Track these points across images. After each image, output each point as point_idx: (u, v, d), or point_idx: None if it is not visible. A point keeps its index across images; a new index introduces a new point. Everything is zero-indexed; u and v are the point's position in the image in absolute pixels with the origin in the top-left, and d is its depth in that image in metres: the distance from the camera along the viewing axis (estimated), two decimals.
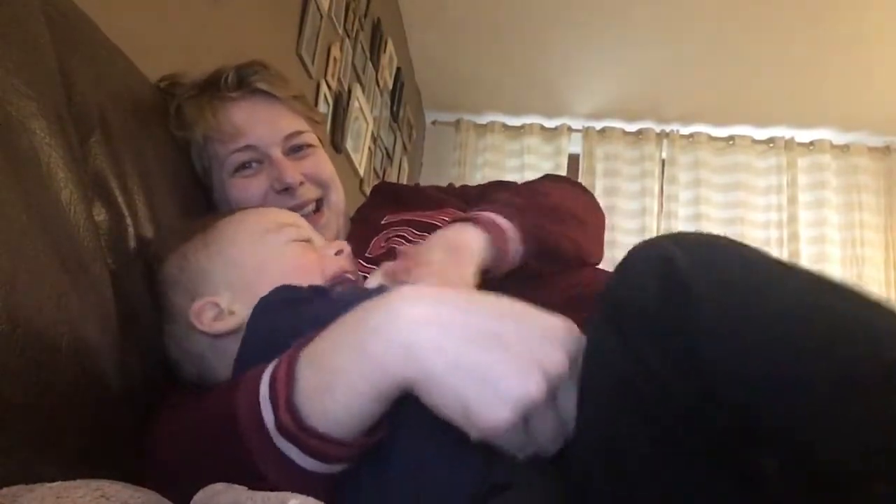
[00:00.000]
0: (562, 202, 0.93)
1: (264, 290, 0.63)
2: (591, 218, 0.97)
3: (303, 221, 0.77)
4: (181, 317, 0.68)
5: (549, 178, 1.06)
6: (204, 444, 0.53)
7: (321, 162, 0.97)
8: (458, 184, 1.20)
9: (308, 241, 0.73)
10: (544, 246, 0.84)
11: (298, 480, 0.47)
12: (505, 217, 0.82)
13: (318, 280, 0.68)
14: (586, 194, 1.02)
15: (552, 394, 0.45)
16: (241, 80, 0.93)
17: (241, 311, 0.66)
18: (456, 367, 0.44)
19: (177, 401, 0.65)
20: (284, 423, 0.47)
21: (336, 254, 0.73)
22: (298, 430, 0.47)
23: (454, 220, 0.83)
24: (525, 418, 0.45)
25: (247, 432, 0.48)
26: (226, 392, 0.53)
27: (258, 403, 0.48)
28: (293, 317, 0.59)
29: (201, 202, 0.94)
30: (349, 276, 0.72)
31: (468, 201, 1.05)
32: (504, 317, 0.48)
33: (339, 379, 0.46)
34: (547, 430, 0.47)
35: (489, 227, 0.80)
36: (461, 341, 0.45)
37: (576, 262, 0.89)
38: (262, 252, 0.69)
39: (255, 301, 0.64)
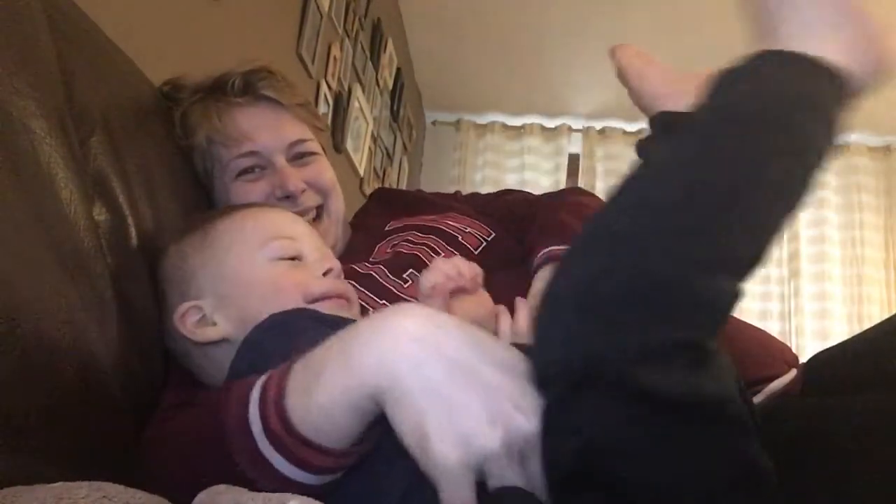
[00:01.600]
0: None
1: (244, 307, 0.64)
2: None
3: (300, 229, 0.74)
4: (171, 315, 0.69)
5: (569, 192, 1.04)
6: (193, 450, 0.53)
7: (323, 169, 0.97)
8: (457, 184, 1.21)
9: (295, 258, 0.70)
10: None
11: (281, 489, 0.46)
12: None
13: (298, 302, 0.66)
14: None
15: (514, 453, 0.43)
16: (248, 86, 0.94)
17: (222, 324, 0.67)
18: (428, 392, 0.43)
19: (174, 400, 0.65)
20: (272, 424, 0.46)
21: (325, 274, 0.70)
22: (284, 433, 0.46)
23: (540, 265, 0.83)
24: (481, 467, 0.43)
25: (233, 437, 0.48)
26: (215, 398, 0.53)
27: (247, 406, 0.48)
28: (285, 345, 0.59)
29: (203, 202, 0.94)
30: (336, 297, 0.69)
31: (476, 208, 1.05)
32: (493, 362, 0.46)
33: (320, 382, 0.46)
34: (510, 481, 0.44)
35: None
36: (443, 369, 0.44)
37: None
38: (248, 268, 0.68)
39: (235, 316, 0.64)
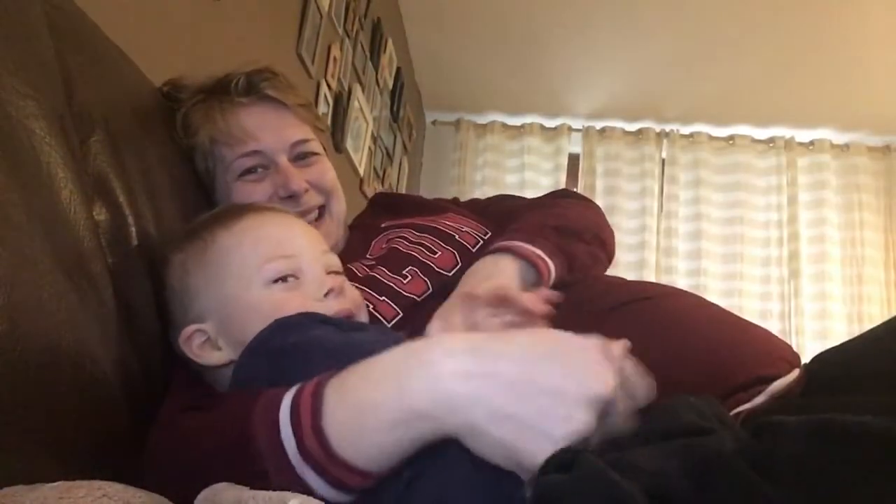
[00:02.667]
0: (579, 220, 0.96)
1: (247, 333, 0.62)
2: (605, 234, 0.99)
3: (300, 242, 0.71)
4: (177, 330, 0.69)
5: (560, 195, 1.06)
6: (213, 461, 0.52)
7: (325, 170, 0.98)
8: (457, 184, 1.22)
9: (290, 276, 0.68)
10: (573, 266, 0.87)
11: None
12: (535, 245, 0.84)
13: None
14: (598, 212, 1.04)
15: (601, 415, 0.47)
16: (251, 86, 0.94)
17: (226, 349, 0.66)
18: (498, 418, 0.45)
19: (181, 402, 0.65)
20: (309, 448, 0.47)
21: (326, 295, 0.68)
22: (324, 457, 0.47)
23: (487, 252, 0.85)
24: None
25: (266, 455, 0.48)
26: (239, 411, 0.53)
27: (277, 427, 0.49)
28: (297, 341, 0.59)
29: (203, 202, 0.94)
30: (343, 316, 0.68)
31: (474, 211, 1.05)
32: (542, 356, 0.48)
33: (374, 419, 0.47)
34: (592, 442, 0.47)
35: (524, 255, 0.83)
36: (501, 391, 0.46)
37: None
38: (247, 292, 0.66)
39: (238, 341, 0.63)
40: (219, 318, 0.67)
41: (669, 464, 0.42)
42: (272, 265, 0.67)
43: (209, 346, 0.67)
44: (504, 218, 0.98)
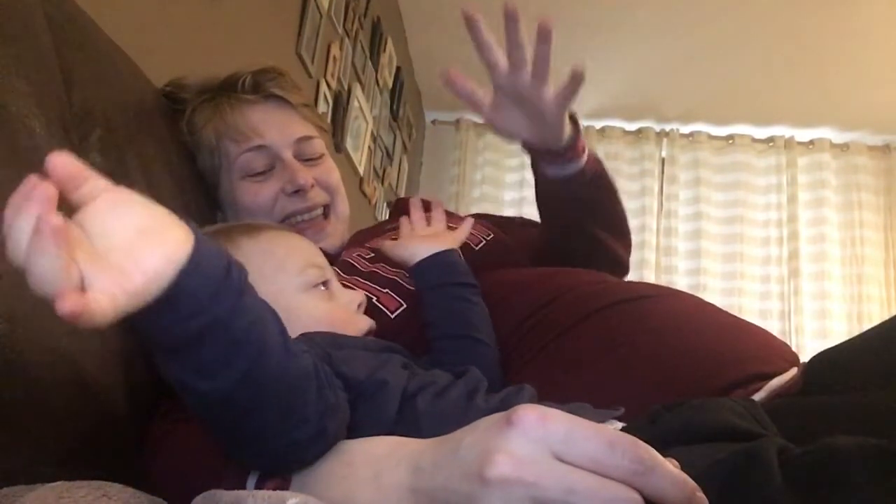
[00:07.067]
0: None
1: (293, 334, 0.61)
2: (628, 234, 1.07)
3: (323, 259, 0.73)
4: None
5: None
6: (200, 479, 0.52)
7: (330, 169, 1.00)
8: (457, 184, 1.24)
9: (326, 283, 0.69)
10: (602, 180, 1.01)
11: None
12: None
13: (351, 333, 0.66)
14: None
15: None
16: (258, 85, 0.96)
17: None
18: None
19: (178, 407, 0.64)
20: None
21: (358, 307, 0.71)
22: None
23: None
24: None
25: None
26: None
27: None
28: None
29: (203, 201, 0.94)
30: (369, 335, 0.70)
31: (493, 222, 1.06)
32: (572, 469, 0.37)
33: None
34: None
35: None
36: None
37: (613, 234, 1.04)
38: (284, 295, 0.64)
39: None
40: None
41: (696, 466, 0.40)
42: (313, 271, 0.68)
43: None
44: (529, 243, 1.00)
